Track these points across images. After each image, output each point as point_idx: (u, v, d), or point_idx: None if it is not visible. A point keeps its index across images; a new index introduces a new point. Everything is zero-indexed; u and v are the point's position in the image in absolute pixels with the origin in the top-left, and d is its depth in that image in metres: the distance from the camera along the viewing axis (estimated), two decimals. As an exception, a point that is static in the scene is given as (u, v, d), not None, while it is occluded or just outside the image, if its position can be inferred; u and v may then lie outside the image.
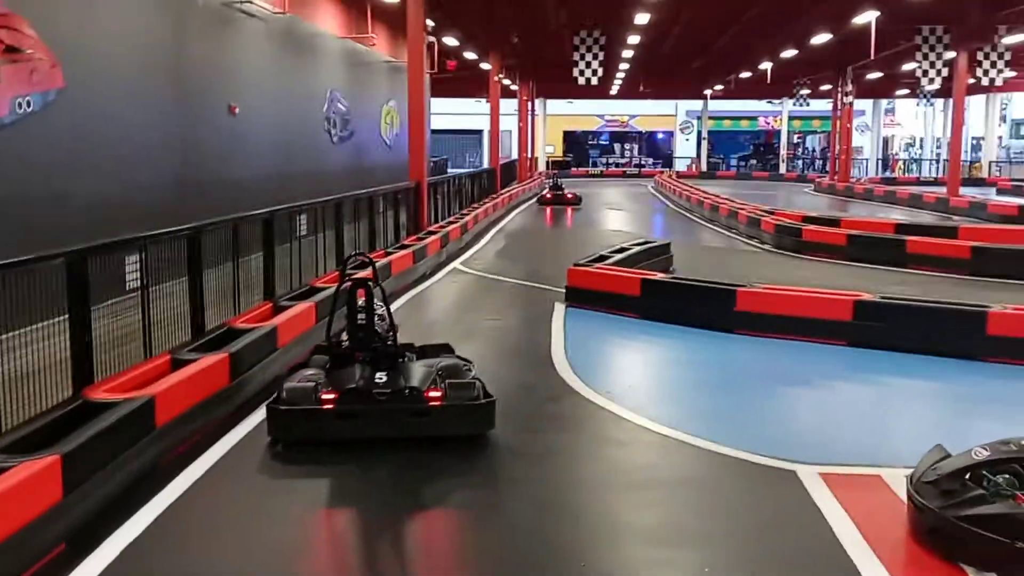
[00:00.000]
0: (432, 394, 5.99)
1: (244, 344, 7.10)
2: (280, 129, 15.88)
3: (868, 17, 22.40)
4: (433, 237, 15.05)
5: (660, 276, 10.69)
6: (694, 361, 8.99)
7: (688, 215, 25.60)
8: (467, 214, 19.64)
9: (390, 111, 23.75)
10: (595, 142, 61.76)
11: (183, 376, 6.12)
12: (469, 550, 4.84)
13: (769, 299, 9.56)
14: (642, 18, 23.43)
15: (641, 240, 14.50)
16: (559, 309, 10.96)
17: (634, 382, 8.25)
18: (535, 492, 5.43)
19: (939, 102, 47.60)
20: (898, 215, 25.06)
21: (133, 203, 10.24)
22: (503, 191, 29.06)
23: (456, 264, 14.96)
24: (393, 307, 7.84)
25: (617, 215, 26.86)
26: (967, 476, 4.57)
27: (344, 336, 6.56)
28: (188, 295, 7.54)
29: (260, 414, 6.52)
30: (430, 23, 22.13)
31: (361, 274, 7.60)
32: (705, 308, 9.92)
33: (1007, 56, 26.40)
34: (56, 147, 9.27)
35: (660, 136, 61.54)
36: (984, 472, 4.59)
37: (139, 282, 6.78)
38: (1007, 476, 4.61)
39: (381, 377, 6.00)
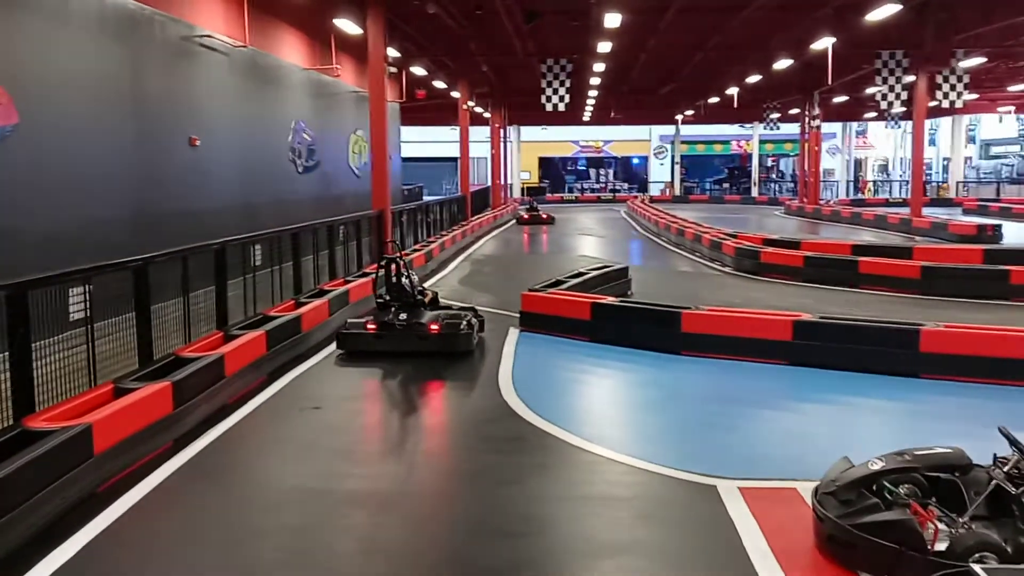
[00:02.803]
0: (432, 327, 9.79)
1: (188, 373, 7.24)
2: (244, 160, 16.05)
3: (826, 43, 22.87)
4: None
5: (609, 300, 10.89)
6: (635, 383, 9.23)
7: (656, 239, 25.92)
8: (433, 241, 19.86)
9: (358, 140, 23.97)
10: (571, 168, 62.26)
11: (123, 404, 6.27)
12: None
13: (712, 321, 9.79)
14: (604, 47, 23.83)
15: (599, 265, 14.72)
16: (513, 334, 11.16)
17: (573, 404, 8.44)
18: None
19: (908, 124, 48.29)
20: (864, 236, 25.49)
21: (89, 237, 10.35)
22: (473, 218, 29.32)
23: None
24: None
25: (586, 240, 27.15)
26: (865, 486, 4.78)
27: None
28: (136, 325, 7.69)
29: (206, 440, 6.91)
30: (396, 53, 22.48)
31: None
32: (652, 331, 10.14)
33: (966, 79, 26.92)
34: (9, 182, 9.39)
35: (635, 161, 62.11)
36: (884, 482, 4.81)
37: (84, 314, 6.94)
38: (909, 486, 4.84)
39: (403, 316, 9.94)
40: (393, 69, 18.14)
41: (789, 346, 9.31)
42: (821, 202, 39.10)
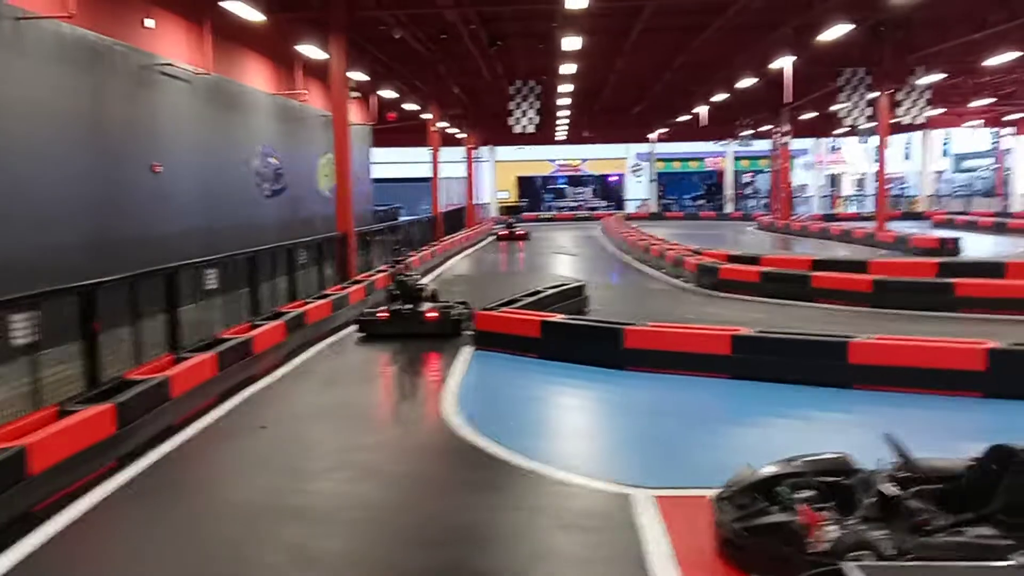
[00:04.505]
0: (429, 314, 12.52)
1: (133, 395, 7.44)
2: (207, 185, 16.28)
3: (785, 62, 23.35)
4: (358, 286, 15.47)
5: (557, 317, 11.13)
6: (574, 398, 9.51)
7: (625, 256, 26.21)
8: (400, 262, 20.00)
9: (328, 163, 24.17)
10: (549, 187, 62.64)
11: (61, 426, 6.46)
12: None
13: (654, 336, 10.05)
14: (572, 68, 24.25)
15: (557, 283, 14.96)
16: (466, 352, 11.40)
17: (513, 420, 8.52)
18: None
19: (877, 139, 48.94)
20: (830, 250, 25.86)
21: (45, 263, 10.54)
22: (445, 238, 29.58)
23: (381, 312, 15.34)
24: (305, 356, 11.55)
25: (555, 259, 27.40)
26: (759, 491, 5.03)
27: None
28: (84, 349, 7.89)
29: (148, 460, 7.15)
30: (364, 77, 22.79)
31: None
32: (597, 347, 10.39)
33: (927, 95, 27.48)
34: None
35: (613, 179, 62.56)
36: (782, 487, 5.06)
37: (31, 339, 7.13)
38: (808, 490, 5.09)
39: (408, 306, 12.65)
40: (355, 94, 18.36)
41: (728, 360, 9.58)
42: (792, 217, 39.59)
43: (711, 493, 5.92)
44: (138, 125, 13.84)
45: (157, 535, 5.71)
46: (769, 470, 5.08)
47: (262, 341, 10.58)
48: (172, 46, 15.10)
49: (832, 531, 4.68)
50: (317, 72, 22.00)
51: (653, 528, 5.49)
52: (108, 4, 13.28)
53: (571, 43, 19.64)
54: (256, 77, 19.33)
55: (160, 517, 6.03)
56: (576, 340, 10.64)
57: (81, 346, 7.94)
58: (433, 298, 13.11)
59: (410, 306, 12.65)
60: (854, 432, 7.84)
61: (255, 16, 14.89)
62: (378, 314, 12.74)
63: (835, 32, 18.69)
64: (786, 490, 5.00)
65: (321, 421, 8.69)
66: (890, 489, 4.81)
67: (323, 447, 7.75)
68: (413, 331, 12.33)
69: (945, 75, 27.03)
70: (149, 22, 14.20)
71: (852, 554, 4.52)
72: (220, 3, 14.33)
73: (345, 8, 16.70)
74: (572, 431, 8.18)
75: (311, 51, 17.70)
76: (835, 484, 5.08)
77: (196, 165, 15.94)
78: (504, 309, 11.92)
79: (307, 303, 13.06)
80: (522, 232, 35.91)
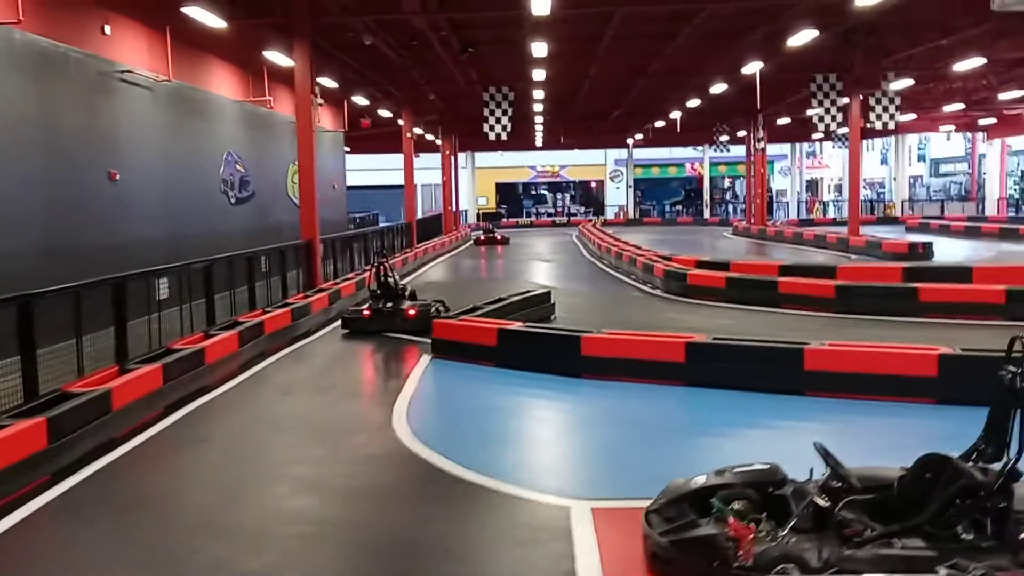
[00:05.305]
0: (410, 312, 13.36)
1: (68, 408, 7.29)
2: (170, 193, 16.10)
3: (758, 68, 23.37)
4: (322, 294, 15.32)
5: (515, 325, 11.02)
6: (526, 408, 9.35)
7: (598, 262, 26.17)
8: (368, 270, 19.88)
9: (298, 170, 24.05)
10: (529, 193, 62.66)
11: (-14, 442, 6.30)
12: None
13: (611, 344, 9.97)
14: (545, 74, 24.21)
15: (522, 290, 14.87)
16: (424, 361, 11.29)
17: (461, 432, 8.37)
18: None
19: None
20: (805, 255, 25.93)
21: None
22: (419, 245, 29.45)
23: (345, 320, 15.20)
24: (261, 366, 11.38)
25: (528, 265, 27.31)
26: (688, 503, 4.94)
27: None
28: (20, 361, 7.74)
29: (86, 473, 7.01)
30: (334, 84, 22.67)
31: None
32: (555, 355, 10.30)
33: (897, 101, 27.61)
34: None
35: (592, 185, 62.63)
36: (715, 499, 4.97)
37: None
38: (743, 502, 5.00)
39: (389, 304, 13.60)
40: (320, 101, 18.23)
41: (684, 367, 9.50)
42: (769, 222, 39.68)
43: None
44: (95, 132, 13.67)
45: (77, 555, 5.57)
46: (698, 482, 4.99)
47: (215, 351, 10.42)
48: (132, 53, 14.93)
49: (764, 544, 4.60)
50: (286, 79, 21.81)
51: (587, 541, 5.39)
52: (66, 11, 13.11)
53: (540, 49, 19.61)
54: (222, 84, 19.16)
55: (83, 534, 5.89)
56: (534, 348, 10.54)
57: (21, 358, 7.77)
58: (413, 297, 14.09)
59: (391, 304, 13.57)
60: (806, 440, 7.76)
61: (217, 23, 14.75)
62: (362, 311, 13.72)
63: (803, 38, 18.69)
64: (719, 502, 4.91)
65: (268, 433, 8.54)
66: (822, 500, 4.74)
67: (266, 460, 7.61)
68: (395, 328, 13.18)
69: (915, 81, 27.11)
70: (108, 29, 14.03)
71: (777, 568, 4.45)
72: (182, 9, 14.21)
73: (309, 14, 16.57)
74: (521, 442, 8.06)
75: (277, 57, 17.55)
76: (770, 495, 5.00)
77: (158, 172, 15.77)
78: (463, 317, 11.81)
79: (266, 312, 12.90)
80: (500, 237, 36.84)
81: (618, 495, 6.21)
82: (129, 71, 14.54)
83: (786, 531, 4.69)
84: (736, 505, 4.92)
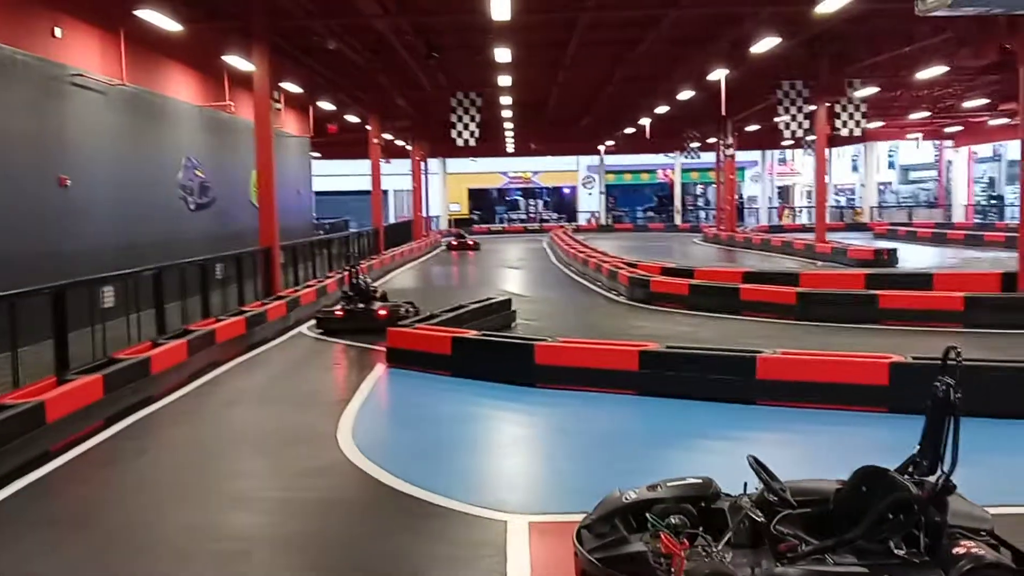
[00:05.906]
0: (380, 312, 13.93)
1: (-3, 420, 7.06)
2: (125, 199, 15.80)
3: (724, 75, 23.41)
4: (279, 302, 15.11)
5: (470, 334, 10.87)
6: (478, 417, 9.18)
7: (565, 269, 26.09)
8: (331, 276, 19.70)
9: (263, 176, 23.77)
10: (502, 199, 62.57)
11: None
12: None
13: (564, 352, 9.85)
14: (508, 80, 24.10)
15: (482, 298, 14.71)
16: (378, 370, 11.11)
17: (406, 446, 8.20)
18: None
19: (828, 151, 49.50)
20: (772, 262, 25.98)
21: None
22: (387, 252, 29.24)
23: (303, 328, 14.95)
24: (209, 376, 11.09)
25: (496, 272, 27.15)
26: (619, 518, 4.81)
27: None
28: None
29: (13, 488, 6.80)
30: (298, 89, 22.43)
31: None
32: (508, 363, 10.16)
33: (863, 108, 27.75)
34: None
35: (565, 191, 62.64)
36: (649, 515, 4.83)
37: None
38: (680, 516, 4.87)
39: (361, 305, 14.28)
40: (278, 106, 18.01)
41: (637, 376, 9.39)
42: (738, 229, 39.80)
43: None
44: (44, 137, 13.37)
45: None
46: (630, 496, 4.86)
47: (161, 361, 10.19)
48: (85, 56, 14.64)
49: (698, 559, 4.48)
50: (248, 83, 21.56)
51: (520, 558, 5.25)
52: (14, 14, 12.82)
53: (504, 55, 19.49)
54: (181, 88, 18.88)
55: (9, 549, 5.66)
56: (488, 357, 10.40)
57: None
58: (383, 298, 14.90)
59: (363, 305, 14.29)
60: (754, 450, 7.68)
61: (172, 26, 14.54)
62: (335, 312, 14.37)
63: (766, 45, 18.70)
64: (655, 517, 4.78)
65: (209, 445, 8.33)
66: (756, 514, 4.63)
67: (205, 473, 7.40)
68: (367, 327, 13.60)
69: (880, 88, 27.26)
70: (59, 31, 13.74)
71: (707, 585, 4.32)
72: (135, 12, 13.97)
73: (267, 17, 16.37)
74: (466, 454, 7.86)
75: (238, 61, 17.32)
76: (706, 509, 4.89)
77: (113, 178, 15.47)
78: (418, 325, 11.65)
79: (219, 320, 12.66)
80: (472, 243, 37.40)
81: (558, 509, 6.09)
82: (81, 75, 14.26)
83: (720, 546, 4.58)
84: (673, 520, 4.81)
